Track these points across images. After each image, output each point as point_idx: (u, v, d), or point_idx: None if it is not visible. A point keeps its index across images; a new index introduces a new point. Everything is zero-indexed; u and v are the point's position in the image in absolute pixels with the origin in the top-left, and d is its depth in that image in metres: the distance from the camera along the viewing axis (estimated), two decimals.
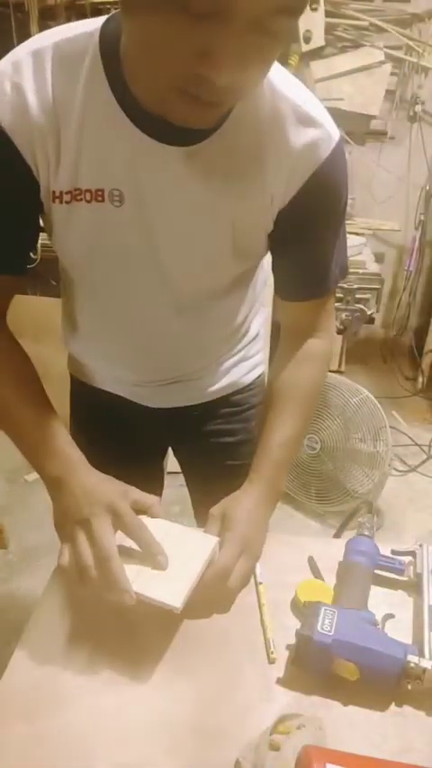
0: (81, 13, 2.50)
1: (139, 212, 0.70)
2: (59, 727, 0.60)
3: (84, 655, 0.67)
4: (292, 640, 0.66)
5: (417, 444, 2.60)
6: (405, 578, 0.77)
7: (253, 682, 0.65)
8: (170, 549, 0.69)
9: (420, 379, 3.08)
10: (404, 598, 0.76)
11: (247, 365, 1.01)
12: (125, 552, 0.68)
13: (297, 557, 0.81)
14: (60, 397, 0.90)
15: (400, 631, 0.69)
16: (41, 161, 0.67)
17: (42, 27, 2.50)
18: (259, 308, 0.99)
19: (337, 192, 0.74)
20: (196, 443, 1.05)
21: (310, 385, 0.89)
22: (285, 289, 0.84)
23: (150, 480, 1.10)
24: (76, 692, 0.63)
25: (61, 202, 0.70)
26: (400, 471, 2.45)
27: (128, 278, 0.78)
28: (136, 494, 0.72)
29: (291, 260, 0.80)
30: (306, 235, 0.76)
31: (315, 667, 0.64)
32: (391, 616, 0.71)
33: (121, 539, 0.69)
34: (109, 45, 0.63)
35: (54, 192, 0.69)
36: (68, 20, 2.82)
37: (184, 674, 0.66)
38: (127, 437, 0.98)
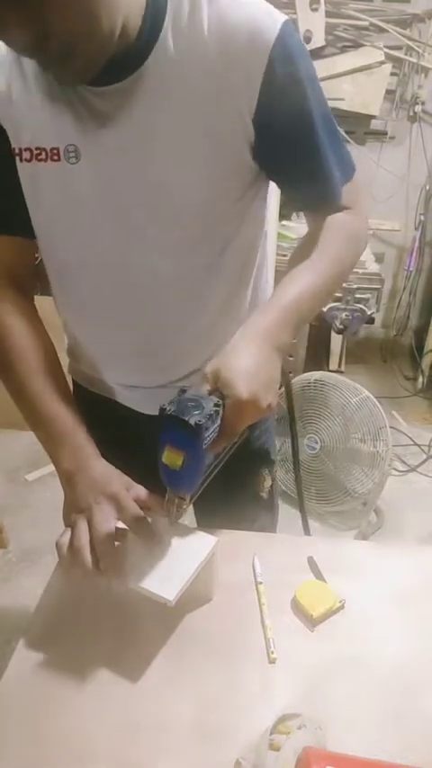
0: None
1: (96, 165, 0.70)
2: (59, 727, 0.60)
3: (84, 655, 0.67)
4: (292, 640, 0.66)
5: (417, 444, 2.60)
6: None
7: (253, 682, 0.65)
8: (169, 546, 0.69)
9: (420, 379, 3.08)
10: None
11: None
12: (124, 545, 0.68)
13: (297, 557, 0.81)
14: None
15: None
16: (4, 116, 0.71)
17: None
18: (254, 290, 0.91)
19: (299, 80, 0.68)
20: None
21: (341, 230, 0.78)
22: (296, 200, 0.82)
23: (150, 485, 1.09)
24: (76, 692, 0.63)
25: (21, 160, 0.72)
26: (400, 471, 2.45)
27: (97, 241, 0.75)
28: (140, 490, 0.72)
29: (284, 168, 0.74)
30: (286, 136, 0.70)
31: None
32: None
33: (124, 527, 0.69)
34: None
35: (14, 150, 0.72)
36: None
37: (185, 675, 0.66)
38: (127, 443, 0.97)
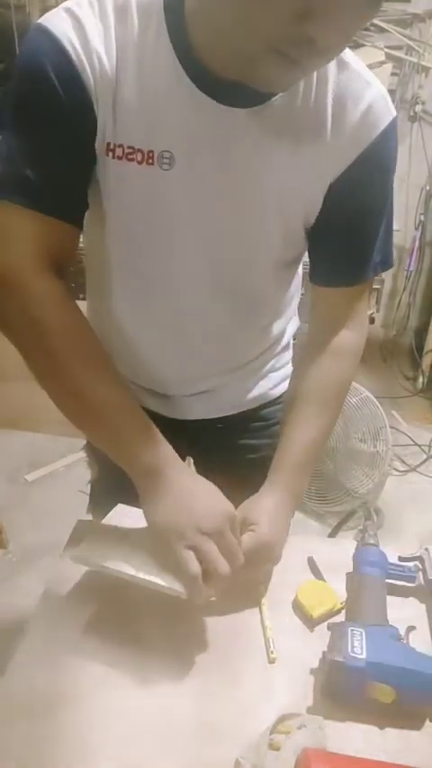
0: None
1: (188, 176, 0.68)
2: (59, 727, 0.60)
3: (84, 655, 0.67)
4: (293, 640, 0.66)
5: (417, 444, 2.60)
6: (414, 585, 0.76)
7: (253, 682, 0.65)
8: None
9: (420, 379, 3.08)
10: (417, 605, 0.75)
11: (276, 377, 0.97)
12: (136, 538, 0.68)
13: (297, 557, 0.81)
14: None
15: (422, 643, 0.68)
16: (104, 108, 0.66)
17: None
18: (291, 316, 0.95)
19: (388, 169, 0.73)
20: (218, 457, 0.98)
21: (339, 383, 0.84)
22: (323, 273, 0.81)
23: None
24: (76, 692, 0.63)
25: (113, 157, 0.68)
26: (400, 471, 2.45)
27: (168, 249, 0.75)
28: (232, 509, 0.70)
29: (334, 241, 0.77)
30: (353, 213, 0.74)
31: (347, 692, 0.61)
32: (413, 628, 0.68)
33: (134, 523, 0.70)
34: (172, 3, 0.64)
35: (108, 144, 0.68)
36: None
37: (185, 674, 0.66)
38: None
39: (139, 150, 0.67)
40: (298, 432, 0.80)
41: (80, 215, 0.73)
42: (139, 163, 0.68)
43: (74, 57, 0.63)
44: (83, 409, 0.69)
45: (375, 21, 2.56)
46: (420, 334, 3.17)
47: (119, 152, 0.68)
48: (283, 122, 0.67)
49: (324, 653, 0.63)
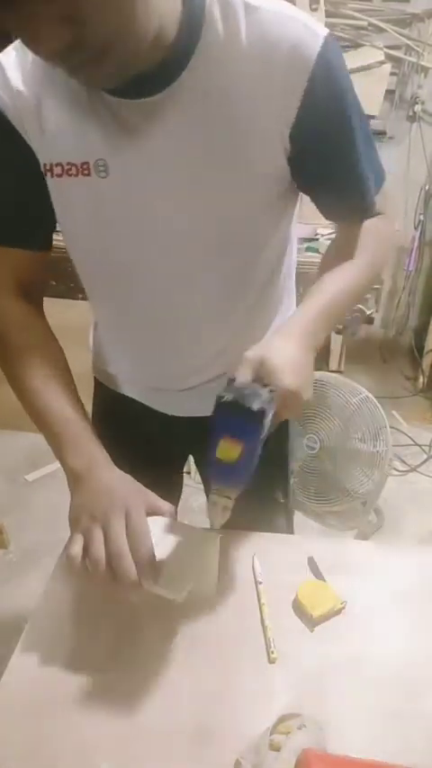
0: None
1: (127, 179, 0.69)
2: (59, 727, 0.60)
3: (84, 655, 0.67)
4: (293, 640, 0.66)
5: (417, 444, 2.60)
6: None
7: (253, 682, 0.65)
8: (174, 545, 0.69)
9: (420, 379, 3.08)
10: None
11: None
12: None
13: (297, 556, 0.81)
14: None
15: None
16: (32, 133, 0.70)
17: None
18: (287, 305, 0.92)
19: (342, 92, 0.68)
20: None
21: (372, 245, 0.80)
22: (331, 213, 0.80)
23: (168, 485, 1.08)
24: (76, 691, 0.63)
25: (53, 176, 0.72)
26: (400, 471, 2.45)
27: (131, 253, 0.76)
28: (152, 497, 0.71)
29: (321, 183, 0.75)
30: (326, 151, 0.70)
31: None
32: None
33: None
34: None
35: (45, 165, 0.72)
36: None
37: (184, 674, 0.66)
38: (146, 444, 0.96)
39: (74, 164, 0.70)
40: (324, 281, 0.77)
41: (39, 240, 0.80)
42: (75, 175, 0.70)
43: (4, 111, 0.70)
44: (31, 413, 0.78)
45: (374, 20, 2.56)
46: (420, 334, 3.17)
47: (57, 170, 0.72)
48: (205, 91, 0.65)
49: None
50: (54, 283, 2.03)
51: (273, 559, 0.80)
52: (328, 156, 0.71)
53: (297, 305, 0.84)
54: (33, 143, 0.71)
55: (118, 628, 0.70)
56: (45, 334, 0.83)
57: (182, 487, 1.17)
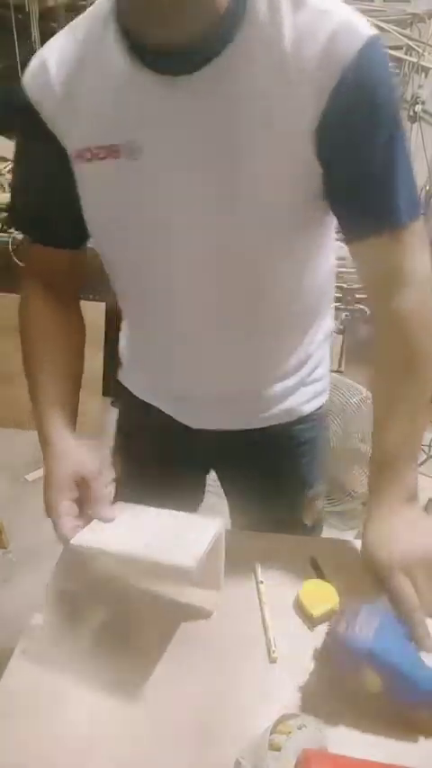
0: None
1: (160, 161, 0.67)
2: (59, 727, 0.60)
3: (84, 655, 0.67)
4: (293, 640, 0.66)
5: None
6: None
7: (253, 682, 0.65)
8: (176, 532, 0.68)
9: None
10: None
11: (306, 392, 0.90)
12: (137, 525, 0.70)
13: (297, 556, 0.81)
14: None
15: None
16: (64, 125, 0.70)
17: (43, 28, 2.50)
18: (321, 323, 0.88)
19: (379, 97, 0.63)
20: (239, 472, 0.98)
21: (410, 349, 0.73)
22: (347, 225, 0.72)
23: (189, 495, 1.07)
24: (76, 691, 0.63)
25: (83, 161, 0.71)
26: None
27: (163, 242, 0.72)
28: (88, 468, 0.74)
29: (345, 188, 0.68)
30: (351, 152, 0.65)
31: (338, 668, 0.62)
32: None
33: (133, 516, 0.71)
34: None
35: (74, 153, 0.71)
36: (69, 21, 2.82)
37: (185, 674, 0.66)
38: (170, 455, 0.95)
39: (103, 147, 0.69)
40: (384, 430, 0.75)
41: (69, 237, 0.82)
42: (104, 158, 0.69)
43: (38, 109, 0.71)
44: (28, 381, 0.83)
45: (375, 20, 2.56)
46: None
47: (86, 155, 0.70)
48: (243, 77, 0.63)
49: (328, 626, 0.62)
50: None
51: (274, 559, 0.80)
52: (355, 157, 0.66)
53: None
54: (65, 134, 0.71)
55: (119, 627, 0.70)
56: (47, 321, 0.84)
57: (202, 497, 1.13)
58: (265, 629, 0.71)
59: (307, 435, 0.93)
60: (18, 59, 2.58)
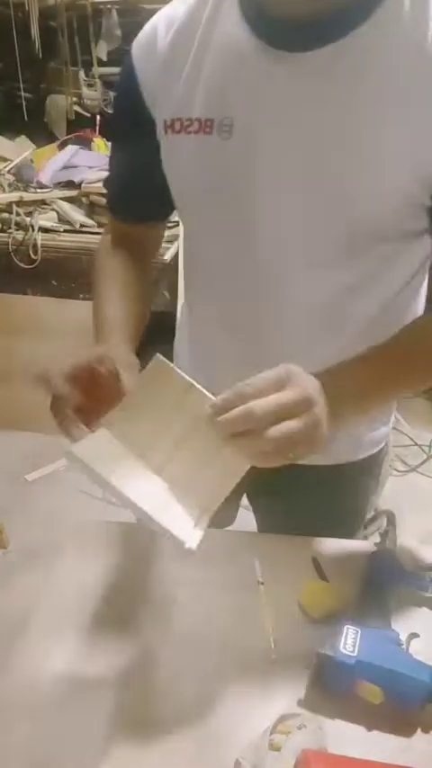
0: (81, 14, 2.50)
1: (247, 145, 0.63)
2: (59, 728, 0.60)
3: (84, 655, 0.67)
4: (294, 640, 0.66)
5: (417, 444, 2.60)
6: (429, 595, 0.74)
7: (253, 682, 0.65)
8: (192, 466, 0.57)
9: None
10: (427, 615, 0.73)
11: (370, 436, 0.86)
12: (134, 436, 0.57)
13: (298, 556, 0.81)
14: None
15: (425, 652, 0.66)
16: (159, 91, 0.69)
17: (43, 27, 2.50)
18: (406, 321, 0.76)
19: None
20: (272, 507, 0.93)
21: None
22: None
23: (222, 515, 1.00)
24: (76, 692, 0.63)
25: (172, 132, 0.68)
26: (400, 471, 2.44)
27: (243, 226, 0.68)
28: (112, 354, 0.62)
29: None
30: None
31: (336, 688, 0.62)
32: (415, 635, 0.68)
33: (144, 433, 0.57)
34: None
35: (166, 122, 0.68)
36: (69, 20, 2.82)
37: (184, 674, 0.66)
38: None
39: (196, 119, 0.65)
40: (378, 361, 0.65)
41: (159, 210, 0.82)
42: (196, 132, 0.66)
43: (136, 69, 0.70)
44: (94, 303, 0.78)
45: None
46: None
47: (176, 126, 0.68)
48: (362, 63, 0.57)
49: (317, 650, 0.63)
50: (55, 283, 2.04)
51: (274, 559, 0.80)
52: None
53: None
54: (157, 102, 0.69)
55: (118, 627, 0.70)
56: (120, 262, 0.83)
57: (235, 516, 1.07)
58: (266, 630, 0.70)
59: (359, 477, 0.91)
60: (18, 58, 2.58)
